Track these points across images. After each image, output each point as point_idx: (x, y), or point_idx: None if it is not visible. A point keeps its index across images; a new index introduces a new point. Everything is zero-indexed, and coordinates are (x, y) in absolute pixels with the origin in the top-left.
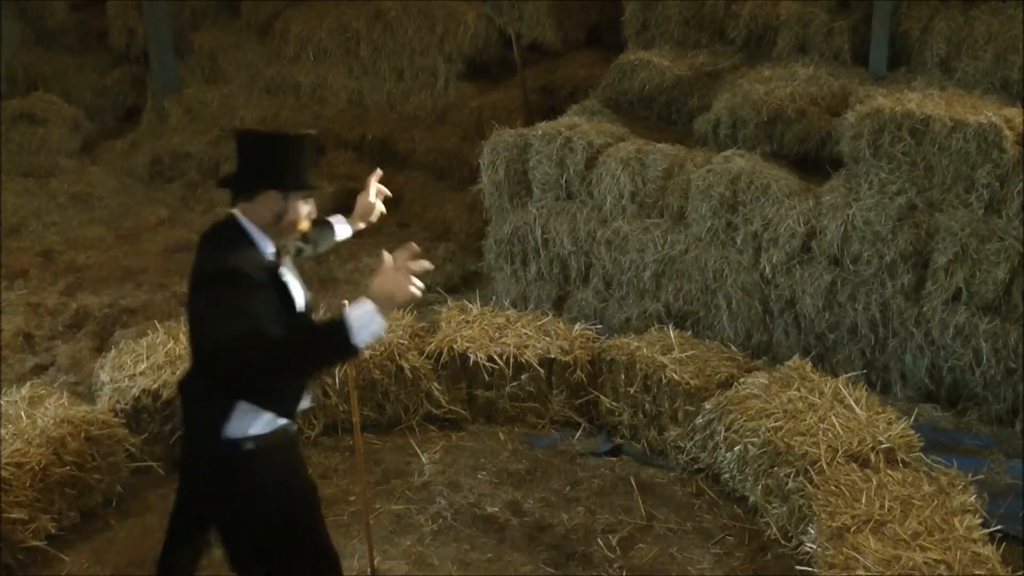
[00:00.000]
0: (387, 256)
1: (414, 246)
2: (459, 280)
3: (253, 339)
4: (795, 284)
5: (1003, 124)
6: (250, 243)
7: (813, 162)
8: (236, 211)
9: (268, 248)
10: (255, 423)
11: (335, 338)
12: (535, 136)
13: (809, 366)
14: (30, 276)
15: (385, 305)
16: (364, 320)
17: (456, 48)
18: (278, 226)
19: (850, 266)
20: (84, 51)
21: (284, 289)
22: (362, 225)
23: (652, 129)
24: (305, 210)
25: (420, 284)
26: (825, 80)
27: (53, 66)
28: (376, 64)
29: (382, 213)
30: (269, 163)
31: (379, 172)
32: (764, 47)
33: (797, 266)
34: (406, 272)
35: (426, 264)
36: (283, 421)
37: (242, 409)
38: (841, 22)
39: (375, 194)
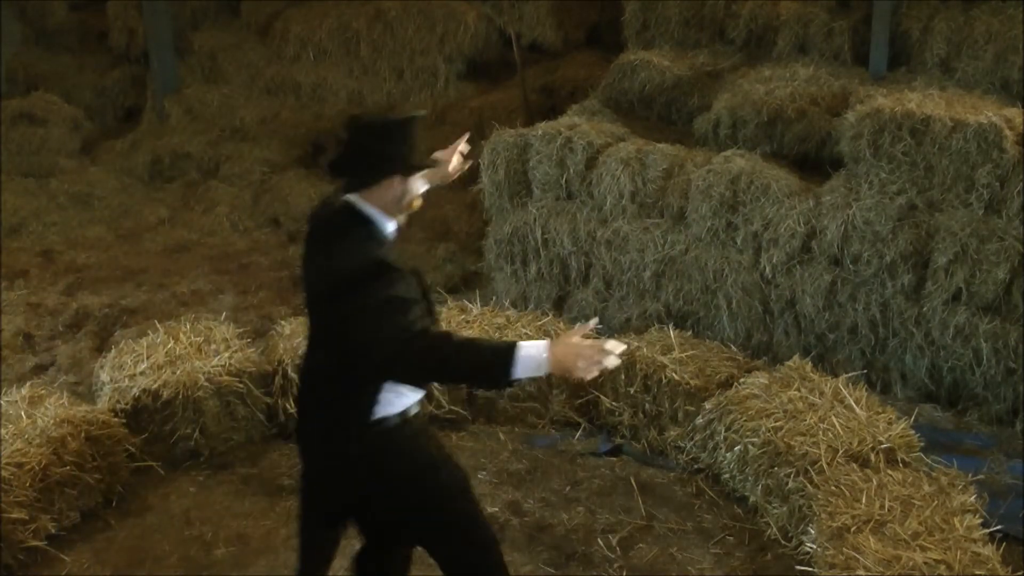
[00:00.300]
0: (592, 324)
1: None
2: (459, 280)
3: (424, 345)
4: (795, 284)
5: (1003, 124)
6: (376, 228)
7: (813, 162)
8: (354, 198)
9: (390, 227)
10: (397, 400)
11: (497, 365)
12: (535, 136)
13: (809, 366)
14: (30, 276)
15: (556, 367)
16: (531, 364)
17: (456, 48)
18: (399, 206)
19: (850, 266)
20: (84, 51)
21: None
22: (438, 181)
23: (652, 129)
24: (419, 186)
25: (601, 366)
26: (825, 80)
27: (53, 66)
28: (376, 64)
29: (461, 172)
30: (391, 150)
31: (466, 135)
32: (764, 47)
33: (797, 266)
34: (598, 355)
35: (618, 353)
36: (419, 395)
37: (387, 390)
38: (841, 22)
39: (456, 154)
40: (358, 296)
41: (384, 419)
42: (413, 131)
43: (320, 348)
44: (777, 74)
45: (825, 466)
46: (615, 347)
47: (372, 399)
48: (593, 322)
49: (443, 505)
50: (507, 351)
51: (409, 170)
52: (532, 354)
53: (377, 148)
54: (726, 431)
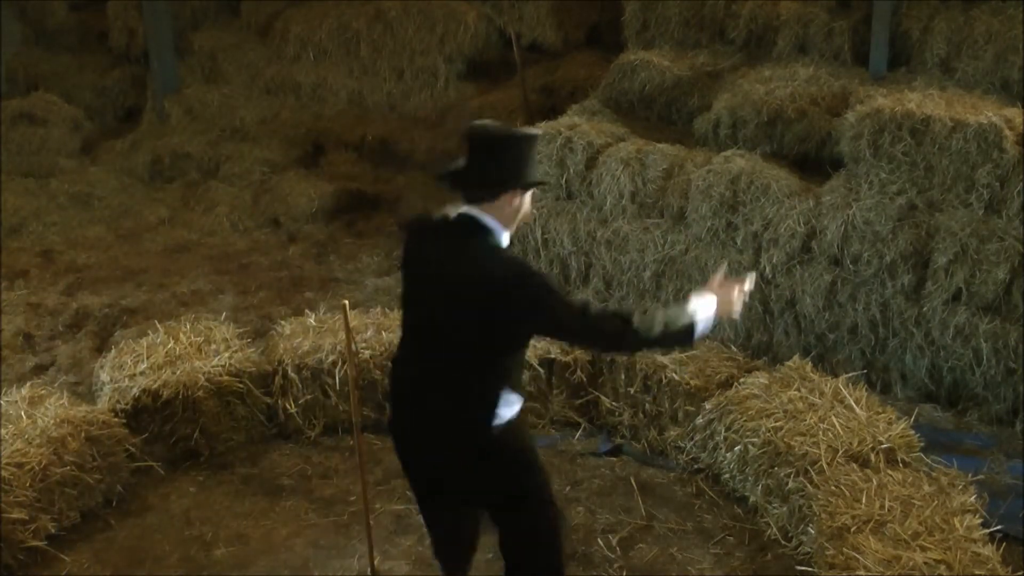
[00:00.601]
0: (724, 269)
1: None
2: None
3: (625, 326)
4: (795, 284)
5: (1003, 124)
6: (499, 238)
7: (813, 162)
8: (475, 211)
9: (505, 238)
10: (510, 405)
11: (686, 332)
12: None
13: (809, 366)
14: (30, 276)
15: (722, 314)
16: (709, 322)
17: (456, 48)
18: (514, 219)
19: (850, 266)
20: (84, 51)
21: None
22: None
23: (652, 129)
24: (529, 201)
25: (745, 297)
26: (825, 80)
27: (53, 66)
28: (376, 64)
29: None
30: (514, 164)
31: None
32: (764, 47)
33: (797, 266)
34: (743, 290)
35: (750, 283)
36: (520, 399)
37: (505, 395)
38: (841, 22)
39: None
40: (544, 296)
41: (503, 423)
42: (533, 148)
43: (438, 352)
44: (777, 74)
45: (825, 466)
46: (751, 278)
47: (495, 404)
48: (724, 266)
49: (535, 497)
50: (690, 321)
51: (527, 185)
52: (708, 314)
53: (501, 163)
54: (726, 431)
